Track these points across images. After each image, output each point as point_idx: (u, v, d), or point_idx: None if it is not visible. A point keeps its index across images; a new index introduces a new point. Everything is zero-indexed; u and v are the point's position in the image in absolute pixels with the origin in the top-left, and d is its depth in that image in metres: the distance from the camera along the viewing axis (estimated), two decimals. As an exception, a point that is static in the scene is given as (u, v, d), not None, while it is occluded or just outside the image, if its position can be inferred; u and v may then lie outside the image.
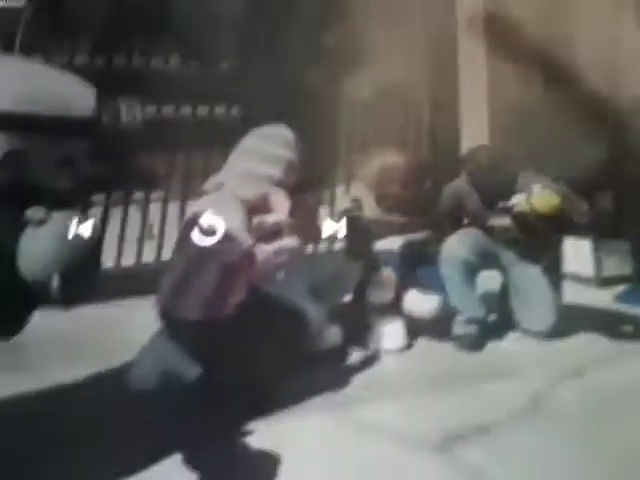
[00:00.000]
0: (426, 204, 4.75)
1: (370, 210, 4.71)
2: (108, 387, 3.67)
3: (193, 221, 3.47)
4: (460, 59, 6.95)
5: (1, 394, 3.38)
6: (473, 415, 3.50)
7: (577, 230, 5.15)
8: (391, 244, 4.61)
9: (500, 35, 6.77)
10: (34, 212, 2.50)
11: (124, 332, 4.17)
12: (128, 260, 5.26)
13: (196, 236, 3.45)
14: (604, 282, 5.91)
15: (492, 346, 4.49)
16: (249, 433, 3.24)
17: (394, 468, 3.06)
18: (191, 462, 2.99)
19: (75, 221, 2.54)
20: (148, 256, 5.27)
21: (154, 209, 5.30)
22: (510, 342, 4.58)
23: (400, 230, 4.66)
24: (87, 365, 3.83)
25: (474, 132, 6.73)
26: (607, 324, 4.81)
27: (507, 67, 6.68)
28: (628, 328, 4.87)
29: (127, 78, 4.82)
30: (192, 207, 3.83)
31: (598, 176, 5.81)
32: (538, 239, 4.59)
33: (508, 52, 6.71)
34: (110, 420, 3.31)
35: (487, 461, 3.09)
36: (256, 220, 3.59)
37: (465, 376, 4.02)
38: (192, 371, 3.46)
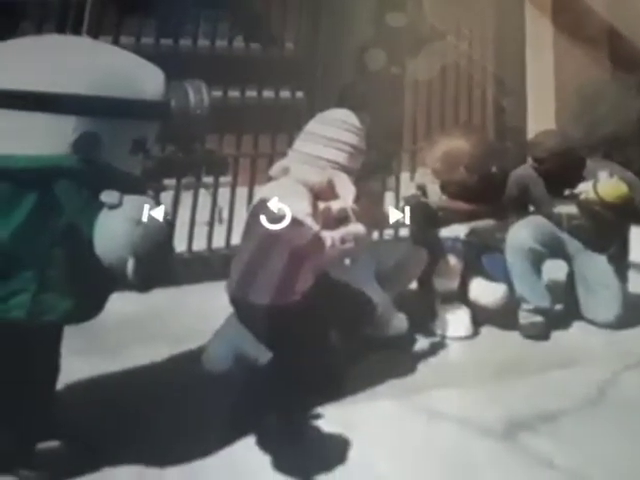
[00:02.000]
0: (492, 191, 4.66)
1: (435, 197, 4.67)
2: (183, 370, 3.73)
3: (261, 207, 3.58)
4: (527, 39, 6.80)
5: (81, 376, 3.46)
6: (538, 404, 3.53)
7: None
8: (456, 231, 4.57)
9: (568, 15, 6.69)
10: (108, 196, 2.54)
11: (197, 316, 4.25)
12: (199, 245, 5.31)
13: (264, 222, 3.52)
14: None
15: (557, 335, 4.48)
16: (319, 417, 3.29)
17: (460, 454, 3.11)
18: (264, 444, 3.05)
19: (148, 205, 2.58)
20: (218, 241, 5.31)
21: (223, 194, 5.35)
22: (575, 331, 4.57)
23: (465, 217, 4.61)
24: (162, 348, 3.90)
25: (541, 115, 6.65)
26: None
27: (574, 49, 6.63)
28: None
29: (192, 61, 4.82)
30: (259, 192, 3.91)
31: None
32: (605, 227, 4.55)
33: (576, 33, 6.64)
34: (186, 402, 3.38)
35: (552, 449, 3.13)
36: (322, 206, 3.65)
37: (530, 365, 4.04)
38: (263, 355, 3.53)
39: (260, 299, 3.54)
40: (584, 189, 4.46)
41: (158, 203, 2.71)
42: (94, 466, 2.83)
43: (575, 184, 4.52)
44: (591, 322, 4.59)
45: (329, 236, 3.47)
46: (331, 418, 3.28)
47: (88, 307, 2.73)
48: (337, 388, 3.52)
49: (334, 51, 6.08)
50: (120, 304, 2.96)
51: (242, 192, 5.25)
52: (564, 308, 4.78)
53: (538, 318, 4.46)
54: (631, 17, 6.78)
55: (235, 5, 5.85)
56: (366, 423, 3.27)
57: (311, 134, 3.87)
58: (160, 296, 3.06)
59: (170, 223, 2.77)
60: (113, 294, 2.78)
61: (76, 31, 5.26)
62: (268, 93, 5.67)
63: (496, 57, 6.69)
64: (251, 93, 5.60)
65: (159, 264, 2.62)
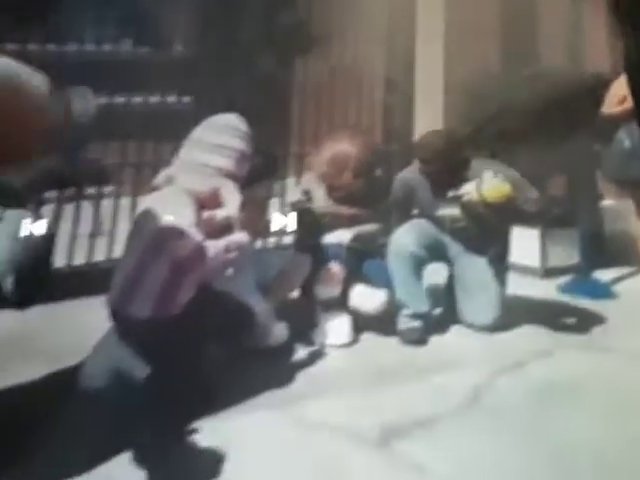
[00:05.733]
0: (376, 194, 4.74)
1: (320, 202, 4.70)
2: (61, 387, 3.68)
3: (144, 218, 3.56)
4: (417, 36, 6.86)
5: None
6: (415, 410, 3.59)
7: (526, 219, 5.14)
8: (340, 237, 4.61)
9: (459, 11, 6.75)
10: None
11: (76, 332, 4.21)
12: (79, 258, 5.26)
13: (146, 233, 3.51)
14: (549, 273, 5.99)
15: (436, 340, 4.56)
16: (195, 431, 3.29)
17: (336, 464, 3.14)
18: (140, 460, 3.06)
19: (28, 220, 2.57)
20: (100, 254, 5.28)
21: (106, 204, 5.30)
22: (453, 335, 4.66)
23: (350, 222, 4.66)
24: (41, 365, 3.86)
25: (428, 115, 6.70)
26: (550, 316, 4.91)
27: (465, 45, 6.68)
28: (571, 320, 4.98)
29: (78, 65, 4.73)
30: (143, 203, 3.85)
31: (553, 159, 5.89)
32: (487, 229, 4.62)
33: (467, 28, 6.69)
34: (64, 419, 3.35)
35: (427, 455, 3.18)
36: (206, 215, 3.63)
37: (408, 370, 4.10)
38: (141, 370, 3.51)
39: (140, 312, 3.53)
40: (468, 190, 4.49)
41: (39, 217, 2.68)
42: None
43: (459, 185, 4.55)
44: (469, 325, 4.69)
45: (212, 246, 3.46)
46: (207, 432, 3.29)
47: None
48: (214, 402, 3.52)
49: (223, 52, 6.03)
50: None
51: (125, 203, 5.23)
52: (443, 312, 4.89)
53: (416, 323, 4.52)
54: (522, 10, 6.93)
55: (123, 6, 5.79)
56: (242, 435, 3.29)
57: (197, 141, 3.86)
58: (38, 312, 3.05)
59: (51, 237, 2.76)
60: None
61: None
62: (154, 98, 5.64)
63: (386, 56, 6.76)
64: (137, 99, 5.56)
65: (39, 280, 2.62)
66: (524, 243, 5.80)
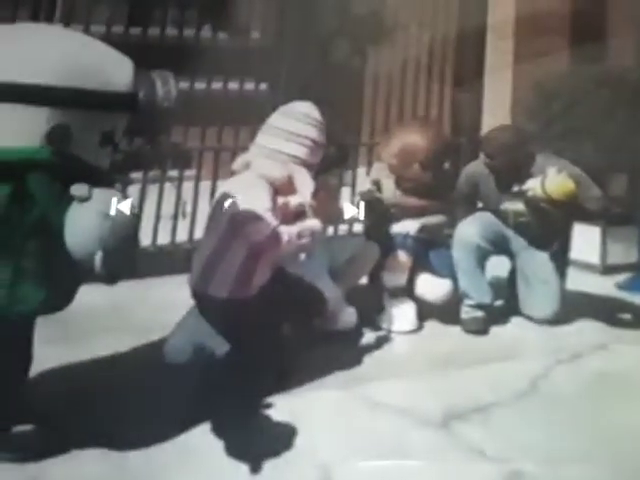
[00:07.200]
0: (444, 187, 4.79)
1: (389, 192, 4.76)
2: (146, 360, 3.89)
3: (223, 201, 3.70)
4: (487, 34, 6.85)
5: (50, 364, 3.61)
6: (475, 395, 3.73)
7: (588, 216, 5.11)
8: (407, 227, 4.68)
9: (529, 7, 6.74)
10: (78, 189, 2.61)
11: (161, 308, 4.39)
12: (163, 239, 5.41)
13: (225, 217, 3.68)
14: (608, 270, 5.98)
15: (496, 330, 4.67)
16: (269, 406, 3.47)
17: (399, 443, 3.31)
18: (218, 431, 3.24)
19: (116, 199, 2.64)
20: (181, 235, 5.41)
21: (187, 188, 5.41)
22: (513, 327, 4.77)
23: (417, 213, 4.71)
24: (126, 339, 4.05)
25: (497, 110, 6.72)
26: (607, 312, 4.99)
27: (534, 41, 6.68)
28: (627, 316, 5.06)
29: (160, 50, 4.81)
30: (222, 187, 4.00)
31: (616, 157, 5.89)
32: (549, 225, 4.68)
33: (536, 25, 6.68)
34: (147, 390, 3.56)
35: (484, 439, 3.33)
36: (281, 201, 3.74)
37: (469, 359, 4.23)
38: (221, 347, 3.73)
39: (219, 292, 3.73)
40: (532, 185, 4.51)
41: (125, 196, 2.73)
42: (63, 448, 2.99)
43: (524, 180, 4.58)
44: (529, 318, 4.78)
45: (286, 231, 3.52)
46: (280, 407, 3.45)
47: (59, 298, 2.81)
48: (286, 380, 3.69)
49: (299, 40, 6.02)
50: (87, 296, 3.04)
51: (205, 186, 5.36)
52: (504, 304, 4.97)
53: (479, 313, 4.62)
54: (593, 8, 6.93)
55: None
56: (312, 412, 3.46)
57: (273, 128, 3.92)
58: (125, 288, 3.17)
59: (137, 217, 2.82)
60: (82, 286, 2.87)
61: (49, 19, 5.34)
62: (233, 85, 5.72)
63: (456, 50, 6.71)
64: (217, 85, 5.67)
65: (126, 257, 2.68)
66: (585, 240, 5.78)
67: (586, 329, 4.75)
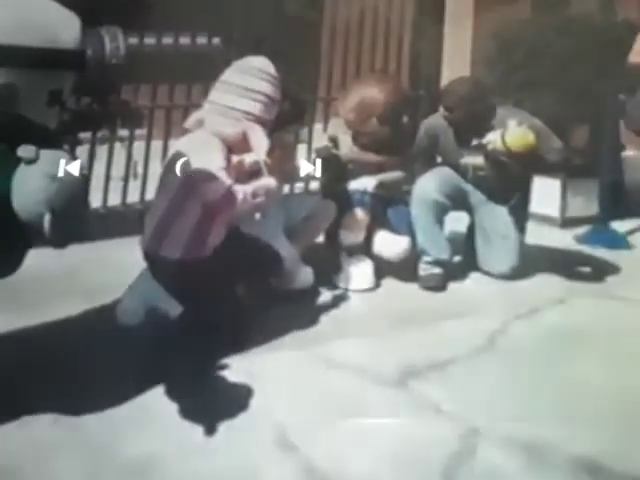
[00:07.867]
0: (402, 142, 4.74)
1: (346, 148, 4.70)
2: (98, 323, 3.85)
3: (175, 161, 3.64)
4: None
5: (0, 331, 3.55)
6: (432, 353, 3.72)
7: (549, 168, 5.11)
8: (365, 184, 4.63)
9: None
10: (25, 150, 2.54)
11: (113, 270, 4.32)
12: (114, 200, 5.34)
13: (177, 176, 3.61)
14: (568, 223, 5.99)
15: (454, 287, 4.68)
16: (224, 367, 3.45)
17: (357, 401, 3.29)
18: (172, 393, 3.21)
19: (64, 160, 2.56)
20: (133, 196, 5.35)
21: (138, 147, 5.37)
22: (471, 283, 4.78)
23: (375, 169, 4.67)
24: (78, 302, 4.00)
25: (456, 61, 6.67)
26: (565, 265, 5.01)
27: None
28: (586, 269, 5.08)
29: (108, 4, 4.69)
30: (174, 146, 3.93)
31: (578, 108, 5.87)
32: (509, 178, 4.65)
33: None
34: (100, 354, 3.51)
35: (442, 396, 3.33)
36: (235, 159, 3.67)
37: (427, 316, 4.21)
38: (174, 308, 3.70)
39: (172, 253, 3.68)
40: (492, 139, 4.47)
41: (74, 157, 2.67)
42: (14, 414, 2.94)
43: (484, 133, 4.54)
44: (487, 273, 4.78)
45: (241, 190, 3.48)
46: (236, 368, 3.44)
47: (7, 264, 2.76)
48: (242, 340, 3.66)
49: None
50: (37, 260, 2.99)
51: (157, 145, 5.29)
52: (462, 259, 4.96)
53: (437, 270, 4.60)
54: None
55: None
56: (268, 373, 3.44)
57: (227, 84, 3.84)
58: (75, 251, 3.10)
59: (86, 178, 2.78)
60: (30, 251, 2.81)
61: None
62: (184, 40, 5.58)
63: (415, 1, 6.64)
64: (167, 40, 5.53)
65: (75, 220, 2.63)
66: (545, 193, 5.83)
67: (544, 283, 4.76)
